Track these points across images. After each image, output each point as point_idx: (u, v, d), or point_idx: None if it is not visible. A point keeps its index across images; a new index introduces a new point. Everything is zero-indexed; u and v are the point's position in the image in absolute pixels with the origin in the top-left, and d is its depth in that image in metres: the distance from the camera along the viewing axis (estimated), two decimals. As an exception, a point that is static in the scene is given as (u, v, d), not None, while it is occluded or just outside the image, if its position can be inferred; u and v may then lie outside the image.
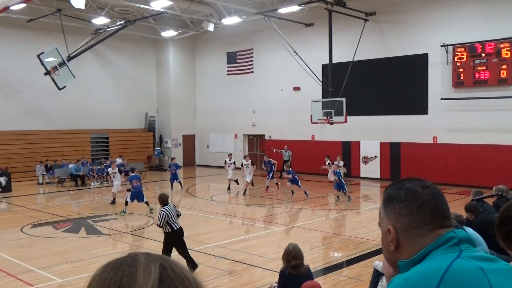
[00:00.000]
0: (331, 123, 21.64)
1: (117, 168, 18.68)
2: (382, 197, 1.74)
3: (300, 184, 18.35)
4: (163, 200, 9.60)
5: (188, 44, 32.70)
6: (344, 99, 20.79)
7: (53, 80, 22.86)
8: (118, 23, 26.26)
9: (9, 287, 8.94)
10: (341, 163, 19.05)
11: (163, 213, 9.24)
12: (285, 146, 25.66)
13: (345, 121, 21.00)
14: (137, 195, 15.87)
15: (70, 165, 24.80)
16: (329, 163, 20.56)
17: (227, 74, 30.81)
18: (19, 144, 25.97)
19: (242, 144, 30.52)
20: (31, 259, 10.61)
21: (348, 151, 24.29)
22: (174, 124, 32.29)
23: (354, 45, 22.43)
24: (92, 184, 24.04)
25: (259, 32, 27.96)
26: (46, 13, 24.37)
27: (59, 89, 23.20)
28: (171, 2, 23.14)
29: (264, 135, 29.10)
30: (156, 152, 31.17)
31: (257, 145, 30.01)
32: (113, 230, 13.56)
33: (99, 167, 24.96)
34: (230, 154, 22.16)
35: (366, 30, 22.78)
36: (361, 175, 23.75)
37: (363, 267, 9.53)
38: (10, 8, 19.64)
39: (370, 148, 23.68)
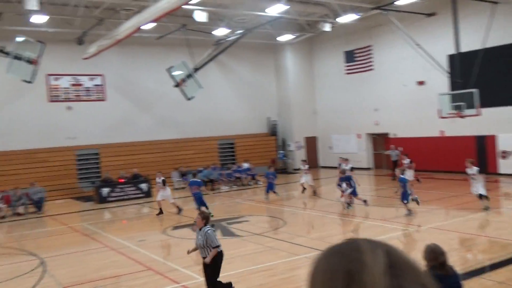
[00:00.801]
0: (462, 117, 20.32)
1: (162, 179, 18.35)
2: None
3: (357, 192, 16.47)
4: (207, 219, 8.50)
5: (305, 46, 32.89)
6: (476, 90, 19.40)
7: (182, 91, 24.46)
8: (237, 33, 27.30)
9: (158, 284, 9.65)
10: (474, 169, 14.65)
11: (213, 232, 8.29)
12: (392, 146, 24.78)
13: (478, 114, 19.59)
14: (198, 201, 16.01)
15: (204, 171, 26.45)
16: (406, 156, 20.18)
17: (346, 73, 30.41)
18: (156, 153, 28.06)
19: (366, 144, 29.92)
20: (175, 258, 11.40)
21: (483, 146, 22.62)
22: (295, 127, 32.65)
23: (483, 32, 20.83)
24: (223, 188, 25.25)
25: (377, 27, 27.22)
26: (172, 30, 26.10)
27: (188, 99, 24.74)
28: (287, 7, 23.46)
29: (388, 134, 28.23)
30: (279, 155, 31.75)
31: (382, 144, 29.19)
32: (246, 232, 14.02)
33: (228, 172, 26.20)
34: (303, 161, 22.19)
35: (496, 14, 21.06)
36: (499, 171, 21.93)
37: (512, 270, 8.82)
38: (142, 27, 21.42)
39: (509, 141, 21.78)
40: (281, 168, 31.32)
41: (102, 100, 27.47)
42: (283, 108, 33.35)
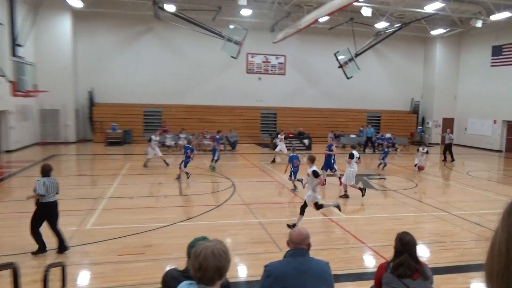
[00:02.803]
0: None
1: (158, 137, 16.64)
2: None
3: (293, 176, 12.65)
4: (44, 171, 6.87)
5: (454, 40, 29.23)
6: None
7: (343, 71, 23.88)
8: (395, 26, 25.41)
9: (311, 214, 9.79)
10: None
11: (40, 182, 6.69)
12: (448, 130, 21.13)
13: None
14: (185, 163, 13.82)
15: (352, 136, 25.97)
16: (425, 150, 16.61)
17: (491, 66, 26.34)
18: (317, 117, 28.25)
19: (501, 129, 25.95)
20: (325, 198, 11.41)
21: None
22: (436, 108, 29.74)
23: None
24: (366, 151, 24.47)
25: (529, 24, 22.81)
26: (341, 22, 25.36)
27: (348, 78, 24.10)
28: (443, 4, 20.96)
29: (525, 122, 24.02)
30: (418, 130, 29.45)
31: (517, 131, 25.04)
32: (383, 187, 13.54)
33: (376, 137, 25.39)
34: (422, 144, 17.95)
35: None
36: None
37: None
38: (319, 20, 21.22)
39: None
40: (418, 141, 29.13)
41: (283, 74, 28.31)
42: (426, 91, 30.52)
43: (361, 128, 26.44)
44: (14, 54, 13.91)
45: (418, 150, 17.27)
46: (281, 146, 18.71)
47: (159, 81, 26.17)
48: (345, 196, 11.77)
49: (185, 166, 13.72)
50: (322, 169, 13.12)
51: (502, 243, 0.89)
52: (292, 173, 12.73)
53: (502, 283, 0.87)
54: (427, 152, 17.14)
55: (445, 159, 20.43)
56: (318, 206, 8.68)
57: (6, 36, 15.49)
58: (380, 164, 17.29)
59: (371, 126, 25.17)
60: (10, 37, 13.95)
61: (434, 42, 29.55)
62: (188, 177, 13.68)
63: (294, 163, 12.67)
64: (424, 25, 27.01)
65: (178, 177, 13.73)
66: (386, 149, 17.60)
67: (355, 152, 11.93)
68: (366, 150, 24.44)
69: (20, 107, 20.99)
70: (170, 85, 26.33)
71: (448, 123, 29.97)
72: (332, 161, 13.42)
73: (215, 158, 15.84)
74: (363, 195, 11.62)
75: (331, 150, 13.39)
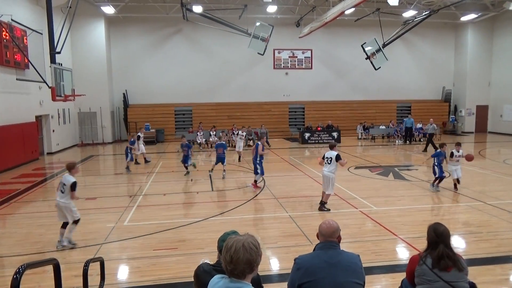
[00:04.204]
0: None
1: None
2: None
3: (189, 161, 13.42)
4: None
5: (487, 24, 27.84)
6: None
7: (371, 63, 23.29)
8: (424, 14, 24.49)
9: (342, 206, 9.71)
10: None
11: None
12: (431, 120, 20.03)
13: None
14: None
15: (382, 127, 25.27)
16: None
17: (527, 49, 24.93)
18: (345, 110, 27.75)
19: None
20: (355, 190, 11.31)
21: None
22: (468, 96, 28.51)
23: None
24: (397, 141, 23.85)
25: None
26: (368, 13, 24.70)
27: (376, 69, 23.49)
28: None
29: None
30: (450, 119, 28.33)
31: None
32: (415, 178, 13.13)
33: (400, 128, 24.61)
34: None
35: None
36: None
37: None
38: (345, 12, 20.74)
39: None
40: (451, 130, 28.07)
41: (309, 68, 27.97)
42: (458, 79, 29.29)
43: (405, 119, 25.58)
44: (53, 61, 14.44)
45: (452, 154, 11.20)
46: (239, 143, 17.82)
47: (188, 81, 26.51)
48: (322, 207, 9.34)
49: (131, 159, 15.49)
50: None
51: None
52: (187, 159, 13.81)
53: None
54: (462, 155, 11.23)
55: (425, 150, 19.30)
56: (64, 224, 7.32)
57: (45, 44, 16.11)
58: (439, 178, 11.29)
59: (411, 117, 24.33)
60: (49, 45, 14.49)
61: (465, 28, 28.28)
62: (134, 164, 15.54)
63: (217, 150, 13.34)
64: (454, 11, 25.89)
65: (127, 168, 15.23)
66: (438, 150, 11.53)
67: (328, 153, 9.27)
68: (397, 141, 23.80)
69: (60, 111, 21.85)
70: (199, 84, 26.61)
71: (482, 111, 28.69)
72: (257, 161, 11.67)
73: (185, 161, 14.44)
74: (326, 209, 9.30)
75: (257, 150, 11.53)
